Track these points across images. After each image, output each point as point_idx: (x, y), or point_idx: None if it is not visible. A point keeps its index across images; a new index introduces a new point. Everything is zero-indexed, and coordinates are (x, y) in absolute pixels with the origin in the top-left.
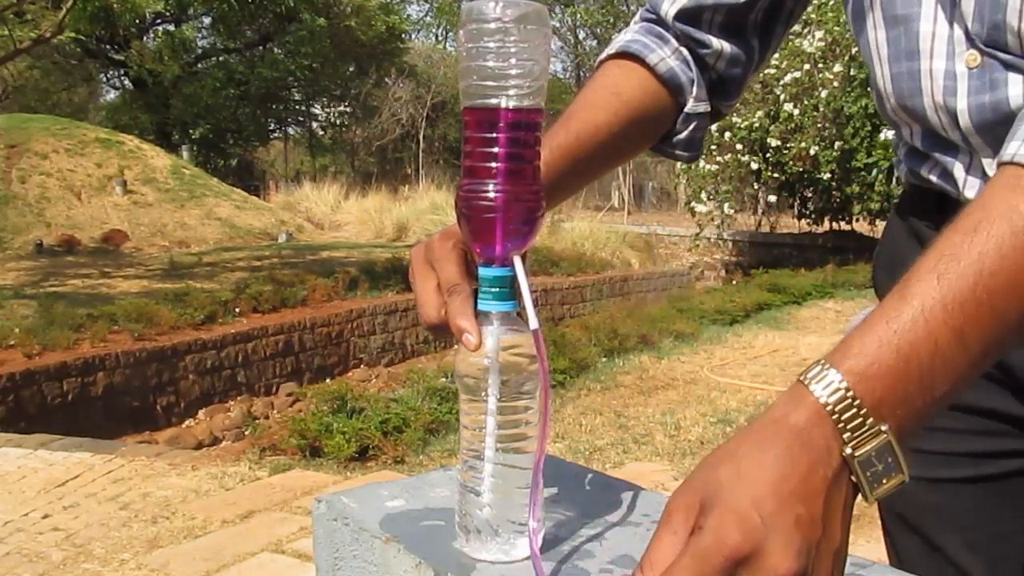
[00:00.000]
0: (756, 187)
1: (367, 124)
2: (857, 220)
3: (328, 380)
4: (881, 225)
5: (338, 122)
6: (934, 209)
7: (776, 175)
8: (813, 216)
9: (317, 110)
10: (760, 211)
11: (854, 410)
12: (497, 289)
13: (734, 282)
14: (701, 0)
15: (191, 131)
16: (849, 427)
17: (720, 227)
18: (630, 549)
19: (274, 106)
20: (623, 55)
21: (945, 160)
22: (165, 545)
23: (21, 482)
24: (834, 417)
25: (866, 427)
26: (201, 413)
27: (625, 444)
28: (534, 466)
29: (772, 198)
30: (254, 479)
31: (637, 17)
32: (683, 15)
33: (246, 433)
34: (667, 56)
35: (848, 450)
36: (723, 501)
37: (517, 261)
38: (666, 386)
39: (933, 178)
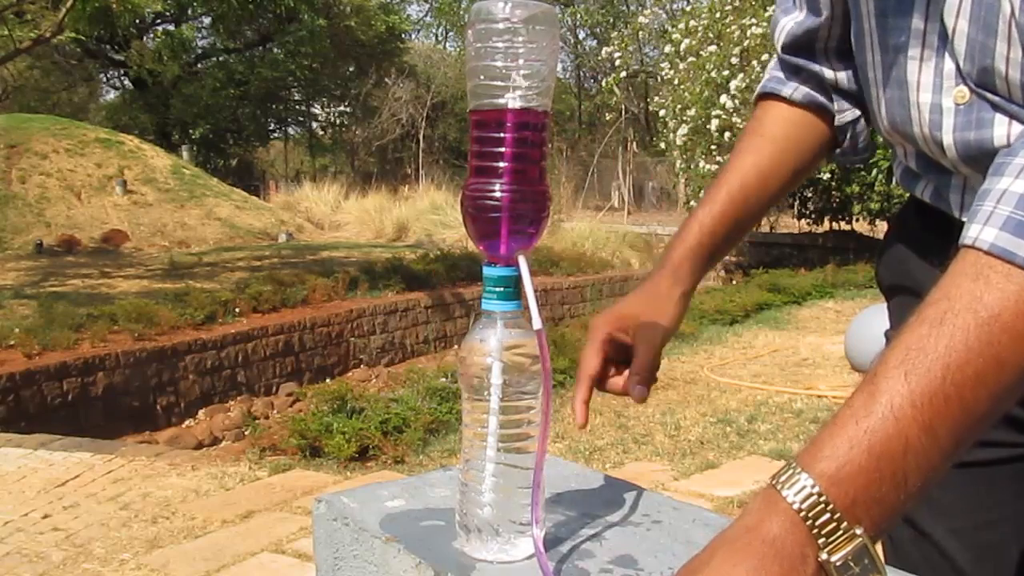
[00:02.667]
0: None
1: (367, 124)
2: (857, 220)
3: (328, 380)
4: (881, 225)
5: (338, 122)
6: (933, 218)
7: None
8: (813, 216)
9: (317, 110)
10: None
11: (827, 515)
12: (501, 289)
13: (734, 282)
14: (809, 25)
15: (191, 131)
16: (823, 532)
17: None
18: (630, 549)
19: (274, 106)
20: (764, 96)
21: (939, 181)
22: (165, 545)
23: (21, 482)
24: (808, 523)
25: (840, 531)
26: (201, 413)
27: (625, 444)
28: (535, 466)
29: None
30: (254, 479)
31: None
32: (794, 47)
33: (246, 433)
34: (800, 84)
35: (824, 555)
36: None
37: (522, 261)
38: (666, 386)
39: (927, 198)
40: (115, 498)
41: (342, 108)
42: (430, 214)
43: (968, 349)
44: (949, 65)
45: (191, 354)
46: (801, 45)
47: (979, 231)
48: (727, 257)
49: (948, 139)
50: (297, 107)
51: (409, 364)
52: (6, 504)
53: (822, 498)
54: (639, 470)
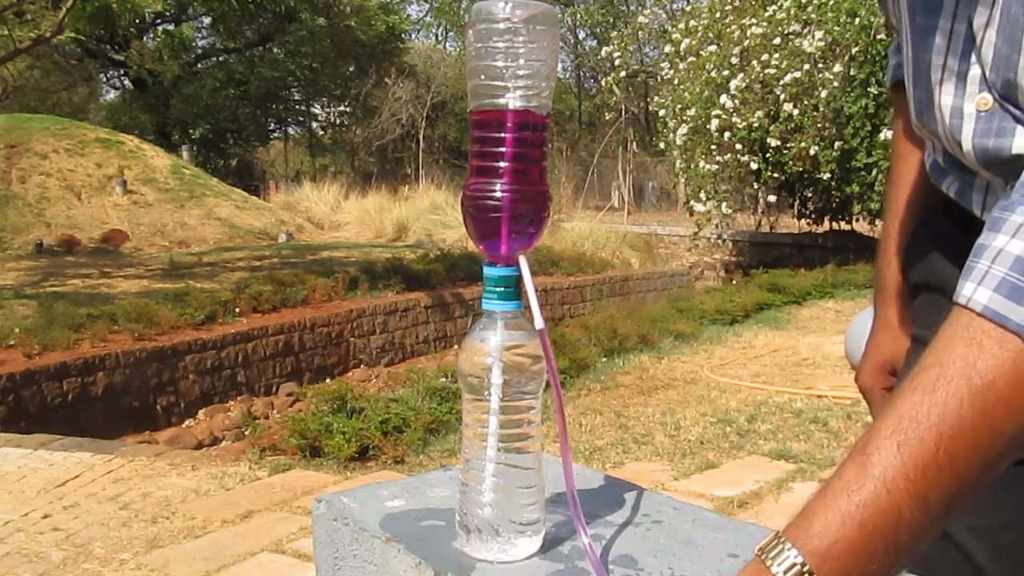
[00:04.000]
0: (756, 187)
1: (367, 124)
2: (857, 220)
3: (328, 380)
4: (881, 225)
5: (338, 122)
6: (960, 215)
7: (776, 175)
8: (813, 216)
9: (317, 110)
10: (760, 211)
11: None
12: (502, 289)
13: (734, 282)
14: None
15: (191, 131)
16: None
17: (719, 227)
18: (630, 549)
19: (274, 106)
20: (894, 85)
21: (963, 180)
22: (165, 545)
23: (21, 482)
24: None
25: None
26: (201, 413)
27: (625, 444)
28: (565, 475)
29: (772, 198)
30: (254, 479)
31: None
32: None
33: (246, 433)
34: None
35: None
36: None
37: (522, 261)
38: (666, 386)
39: (952, 194)
40: (115, 498)
41: (342, 108)
42: (430, 214)
43: (961, 419)
44: (975, 70)
45: (191, 354)
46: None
47: (973, 291)
48: (727, 257)
49: (967, 144)
50: (297, 107)
51: (409, 364)
52: (6, 504)
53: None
54: (639, 470)
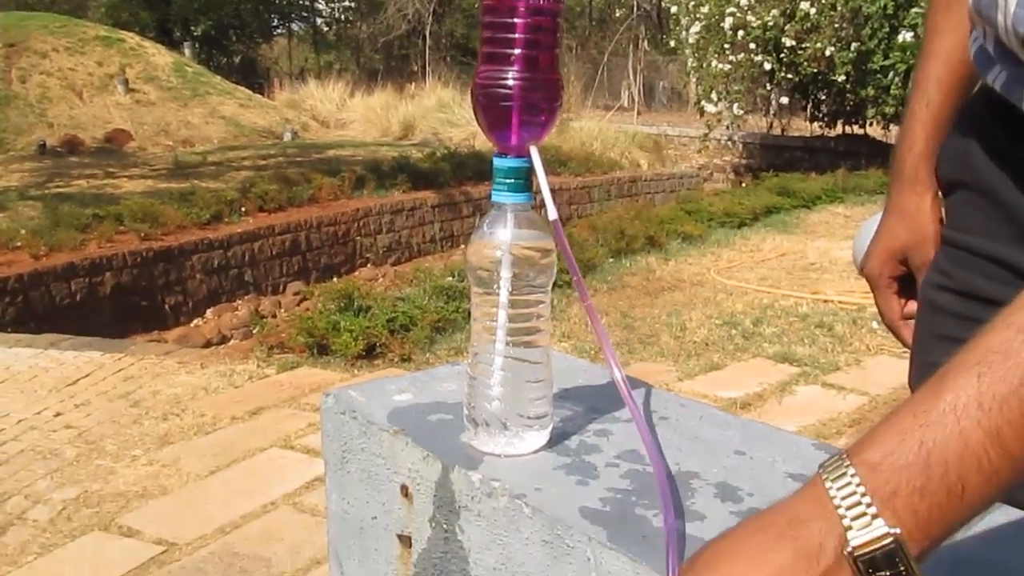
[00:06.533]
0: (768, 88)
1: (372, 20)
2: (871, 124)
3: (335, 279)
4: (895, 130)
5: (342, 17)
6: (1003, 111)
7: (789, 76)
8: (826, 119)
9: (321, 5)
10: (772, 113)
11: (861, 505)
12: (512, 180)
13: (743, 185)
14: None
15: (192, 28)
16: (854, 523)
17: (730, 128)
18: (636, 444)
19: (277, 0)
20: None
21: (1013, 72)
22: (176, 441)
23: (33, 381)
24: (838, 511)
25: (872, 524)
26: (209, 312)
27: (631, 344)
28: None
29: (784, 100)
30: (262, 376)
31: None
32: None
33: (254, 332)
34: None
35: (848, 548)
36: None
37: (534, 152)
38: (672, 288)
39: (998, 86)
40: (125, 396)
41: (346, 3)
42: (437, 112)
43: None
44: None
45: (198, 254)
46: None
47: None
48: (737, 159)
49: None
50: (300, 1)
51: (416, 263)
52: (19, 403)
53: (858, 486)
54: (644, 370)
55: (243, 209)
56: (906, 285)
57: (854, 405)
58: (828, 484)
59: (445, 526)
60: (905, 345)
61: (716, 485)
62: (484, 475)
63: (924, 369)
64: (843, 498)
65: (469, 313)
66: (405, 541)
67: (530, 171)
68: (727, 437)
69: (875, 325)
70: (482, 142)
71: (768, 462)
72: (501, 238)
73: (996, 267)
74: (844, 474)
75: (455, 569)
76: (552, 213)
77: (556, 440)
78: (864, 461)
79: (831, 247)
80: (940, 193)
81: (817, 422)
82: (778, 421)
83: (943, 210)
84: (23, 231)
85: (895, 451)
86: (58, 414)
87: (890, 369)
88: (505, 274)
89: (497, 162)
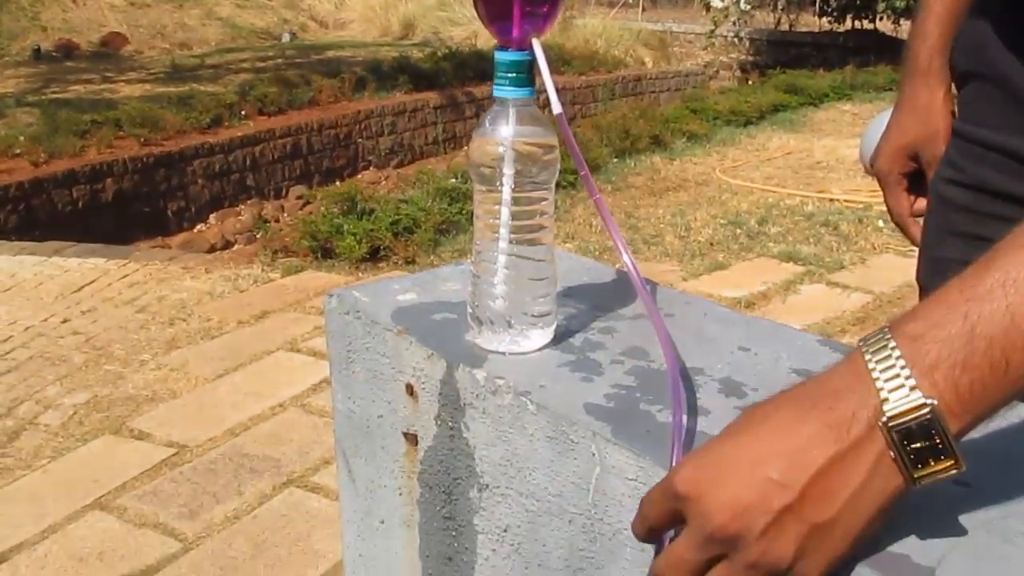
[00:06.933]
0: None
1: None
2: (880, 19)
3: (337, 182)
4: (906, 25)
5: None
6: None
7: None
8: (835, 14)
9: None
10: (779, 8)
11: (899, 375)
12: (514, 75)
13: (750, 82)
14: None
15: None
16: (891, 394)
17: (736, 24)
18: (640, 341)
19: None
20: None
21: None
22: (183, 346)
23: (39, 288)
24: (874, 379)
25: (909, 395)
26: (212, 217)
27: (635, 245)
28: (606, 223)
29: None
30: (267, 281)
31: None
32: None
33: (257, 236)
34: None
35: (883, 418)
36: (721, 473)
37: (536, 44)
38: (677, 187)
39: None
40: (131, 302)
41: None
42: (437, 11)
43: None
44: None
45: (198, 158)
46: None
47: None
48: (743, 56)
49: None
50: None
51: (418, 165)
52: (26, 310)
53: (898, 359)
54: (648, 271)
55: (243, 113)
56: (916, 182)
57: (858, 304)
58: (867, 357)
59: (450, 424)
60: (913, 243)
61: (720, 381)
62: (489, 373)
63: (933, 265)
64: (881, 370)
65: (473, 214)
66: (411, 439)
67: (532, 65)
68: (731, 334)
69: (881, 224)
70: (484, 41)
71: (773, 358)
72: (503, 134)
73: (1009, 160)
74: (884, 347)
75: (461, 466)
76: (556, 107)
77: (560, 338)
78: (905, 333)
79: (838, 145)
80: (954, 85)
81: (821, 320)
82: (782, 320)
83: (956, 104)
84: (21, 138)
85: (939, 324)
86: (65, 320)
87: (895, 268)
88: (508, 171)
89: (498, 56)
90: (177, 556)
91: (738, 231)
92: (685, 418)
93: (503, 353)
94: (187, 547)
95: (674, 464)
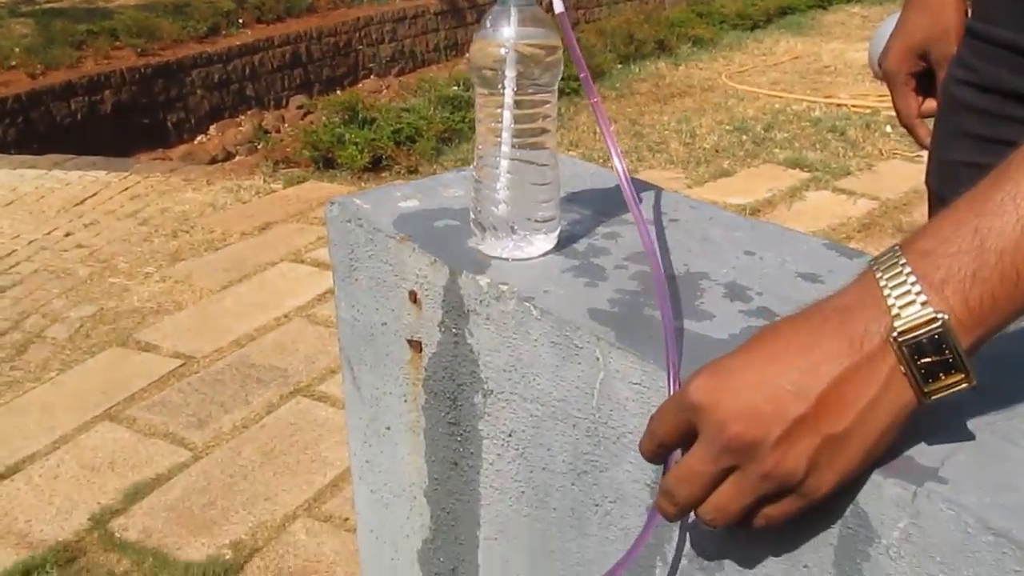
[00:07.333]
0: None
1: None
2: None
3: (338, 91)
4: None
5: None
6: None
7: None
8: None
9: None
10: None
11: (910, 291)
12: None
13: None
14: None
15: None
16: (902, 309)
17: None
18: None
19: None
20: None
21: None
22: (187, 258)
23: (40, 202)
24: (885, 295)
25: (920, 310)
26: (212, 128)
27: (640, 152)
28: (603, 130)
29: None
30: (269, 192)
31: None
32: None
33: (258, 147)
34: None
35: (894, 333)
36: (736, 383)
37: None
38: (682, 93)
39: None
40: (134, 214)
41: None
42: None
43: None
44: None
45: (197, 68)
46: None
47: None
48: None
49: None
50: None
51: (420, 73)
52: (28, 224)
53: (909, 275)
54: (653, 178)
55: (240, 21)
56: (925, 83)
57: (864, 210)
58: (879, 275)
59: (454, 330)
60: (921, 145)
61: (725, 285)
62: (492, 279)
63: (943, 168)
64: (892, 286)
65: (475, 120)
66: (415, 346)
67: None
68: (737, 238)
69: (889, 129)
70: None
71: (778, 262)
72: (505, 35)
73: (1023, 59)
74: (895, 263)
75: (465, 372)
76: (558, 5)
77: (564, 243)
78: (916, 250)
79: (846, 49)
80: None
81: (827, 228)
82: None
83: (969, 1)
84: (17, 50)
85: (949, 239)
86: (68, 234)
87: (902, 174)
88: (510, 73)
89: None
90: (187, 465)
91: (744, 138)
92: (679, 322)
93: (506, 259)
94: (197, 456)
95: (671, 378)
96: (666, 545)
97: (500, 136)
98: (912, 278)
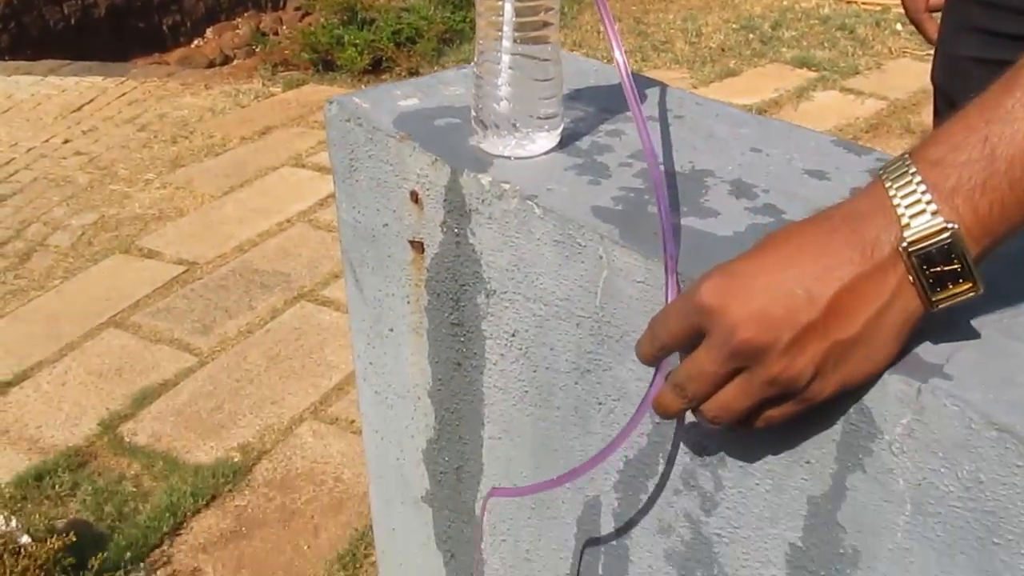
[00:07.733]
0: None
1: None
2: None
3: None
4: None
5: None
6: None
7: None
8: None
9: None
10: None
11: (920, 201)
12: None
13: None
14: None
15: None
16: (912, 219)
17: None
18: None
19: None
20: None
21: None
22: (187, 163)
23: (37, 109)
24: (895, 205)
25: (930, 219)
26: (209, 32)
27: (644, 51)
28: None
29: None
30: (268, 95)
31: None
32: None
33: (256, 50)
34: None
35: (904, 243)
36: (747, 287)
37: None
38: None
39: None
40: (132, 120)
41: None
42: None
43: None
44: None
45: None
46: None
47: None
48: None
49: None
50: None
51: None
52: (26, 132)
53: (919, 184)
54: (658, 77)
55: None
56: None
57: (872, 110)
58: (888, 184)
59: (456, 230)
60: (929, 40)
61: (731, 183)
62: (494, 177)
63: (949, 63)
64: (902, 196)
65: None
66: (417, 247)
67: None
68: (743, 135)
69: (899, 27)
70: None
71: (785, 159)
72: None
73: None
74: (905, 172)
75: (468, 272)
76: None
77: (567, 141)
78: (926, 158)
79: None
80: None
81: (834, 128)
82: None
83: None
84: None
85: (959, 147)
86: (66, 141)
87: (911, 72)
88: None
89: None
90: (193, 370)
91: (751, 36)
92: (676, 215)
93: (508, 157)
94: (203, 361)
95: (668, 277)
96: (668, 443)
97: (501, 30)
98: (922, 187)
